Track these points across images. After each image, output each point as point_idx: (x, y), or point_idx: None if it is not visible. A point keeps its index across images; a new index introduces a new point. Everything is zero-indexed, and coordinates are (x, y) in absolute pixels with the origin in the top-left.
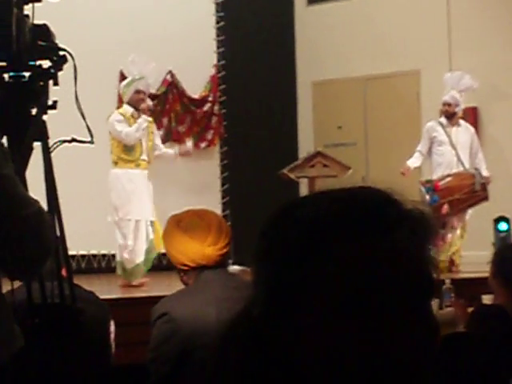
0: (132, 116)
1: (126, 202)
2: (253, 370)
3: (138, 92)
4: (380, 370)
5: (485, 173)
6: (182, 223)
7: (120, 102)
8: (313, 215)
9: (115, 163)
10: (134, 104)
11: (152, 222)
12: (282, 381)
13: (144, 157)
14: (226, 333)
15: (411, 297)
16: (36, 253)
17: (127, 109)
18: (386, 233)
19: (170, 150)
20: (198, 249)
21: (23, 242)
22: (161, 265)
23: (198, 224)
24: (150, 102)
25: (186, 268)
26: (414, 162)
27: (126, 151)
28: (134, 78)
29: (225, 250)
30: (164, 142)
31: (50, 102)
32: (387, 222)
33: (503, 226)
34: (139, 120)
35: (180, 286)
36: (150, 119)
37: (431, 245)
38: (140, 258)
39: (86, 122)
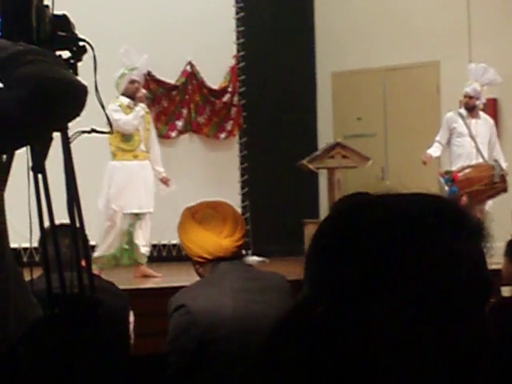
0: (128, 106)
1: (119, 194)
2: (312, 368)
3: (132, 82)
4: (453, 373)
5: (503, 165)
6: (197, 215)
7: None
8: (391, 217)
9: (114, 155)
10: (130, 94)
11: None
12: (343, 381)
13: (142, 147)
14: (278, 331)
15: (481, 300)
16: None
17: (123, 99)
18: (467, 239)
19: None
20: (214, 241)
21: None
22: (172, 255)
23: (213, 216)
24: (144, 91)
25: (202, 260)
26: (434, 151)
27: (125, 141)
28: (127, 69)
29: (241, 242)
30: (183, 132)
31: None
32: (466, 229)
33: None
34: (137, 108)
35: (196, 277)
36: (147, 109)
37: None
38: (112, 249)
39: (105, 113)
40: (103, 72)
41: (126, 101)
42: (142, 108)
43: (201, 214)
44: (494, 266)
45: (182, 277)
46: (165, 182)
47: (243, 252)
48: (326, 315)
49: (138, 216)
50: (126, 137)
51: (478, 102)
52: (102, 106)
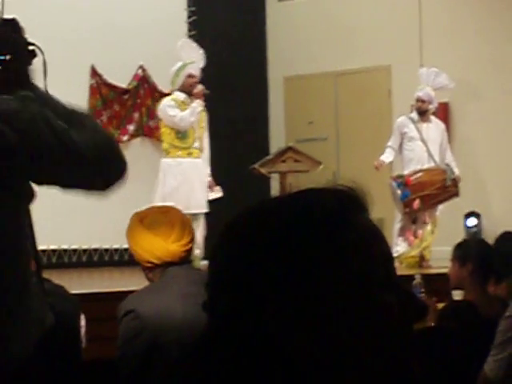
0: (183, 102)
1: (174, 192)
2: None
3: (190, 76)
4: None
5: (455, 171)
6: (146, 220)
7: (93, 96)
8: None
9: (167, 152)
10: (187, 89)
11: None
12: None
13: (196, 144)
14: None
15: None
16: (112, 154)
17: (179, 95)
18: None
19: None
20: (162, 245)
21: (97, 151)
22: (124, 260)
23: (161, 221)
24: (201, 87)
25: (151, 265)
26: (386, 156)
27: (180, 138)
28: (185, 63)
29: (189, 246)
30: (135, 136)
31: None
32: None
33: (473, 221)
34: (193, 104)
35: (147, 282)
36: (203, 104)
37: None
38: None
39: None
40: (52, 75)
41: (181, 96)
42: (199, 104)
43: (149, 219)
44: (445, 270)
45: (135, 281)
46: (210, 186)
47: (201, 256)
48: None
49: (194, 216)
50: (181, 134)
51: (430, 107)
52: None
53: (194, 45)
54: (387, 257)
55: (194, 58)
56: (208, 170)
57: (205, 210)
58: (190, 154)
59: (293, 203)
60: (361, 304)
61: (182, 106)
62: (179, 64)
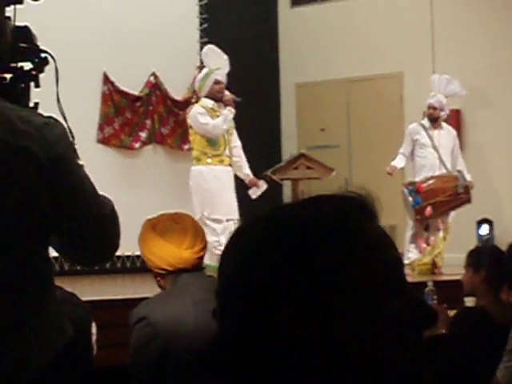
0: (212, 109)
1: (212, 200)
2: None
3: (217, 83)
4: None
5: (467, 177)
6: (158, 227)
7: (105, 103)
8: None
9: (198, 159)
10: (214, 95)
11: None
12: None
13: (227, 151)
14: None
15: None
16: (107, 248)
17: (207, 102)
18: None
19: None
20: (175, 252)
21: (100, 239)
22: (136, 267)
23: (173, 228)
24: (230, 94)
25: (163, 272)
26: (398, 162)
27: (210, 145)
28: (211, 69)
29: (201, 253)
30: (147, 143)
31: (31, 104)
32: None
33: (485, 228)
34: (225, 112)
35: (159, 289)
36: (234, 112)
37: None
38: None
39: (67, 124)
40: (64, 82)
41: (209, 103)
42: (230, 112)
43: (161, 226)
44: (457, 277)
45: (146, 288)
46: (254, 184)
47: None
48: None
49: (231, 222)
50: (212, 141)
51: (442, 114)
52: (64, 117)
53: (219, 51)
54: (397, 263)
55: (220, 64)
56: (248, 171)
57: (237, 217)
58: (221, 162)
59: (303, 210)
60: (371, 310)
61: (211, 112)
62: (205, 71)
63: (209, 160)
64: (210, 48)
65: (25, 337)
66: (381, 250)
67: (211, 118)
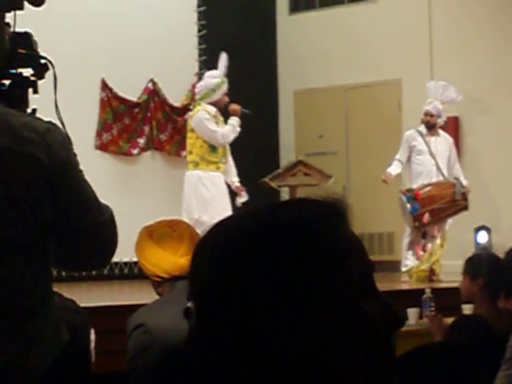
0: (215, 116)
1: (209, 205)
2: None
3: (226, 94)
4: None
5: (464, 183)
6: (155, 234)
7: (103, 110)
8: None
9: (196, 164)
10: (220, 105)
11: None
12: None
13: (224, 160)
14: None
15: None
16: (104, 254)
17: (210, 108)
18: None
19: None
20: (171, 260)
21: (98, 245)
22: (134, 273)
23: (170, 235)
24: (238, 106)
25: (160, 279)
26: (394, 169)
27: (211, 152)
28: (223, 80)
29: None
30: (145, 149)
31: (29, 111)
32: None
33: (483, 235)
34: (232, 122)
35: (157, 296)
36: (240, 122)
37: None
38: None
39: (65, 130)
40: (63, 88)
41: (212, 110)
42: (237, 122)
43: (158, 233)
44: (454, 284)
45: (144, 294)
46: (239, 191)
47: None
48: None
49: None
50: (213, 148)
51: (439, 120)
52: (63, 124)
53: (222, 60)
54: (369, 268)
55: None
56: (236, 178)
57: None
58: (218, 168)
59: (283, 212)
60: (345, 312)
61: (214, 119)
62: (218, 80)
63: (208, 166)
64: (225, 56)
65: (22, 343)
66: (354, 255)
67: (216, 125)
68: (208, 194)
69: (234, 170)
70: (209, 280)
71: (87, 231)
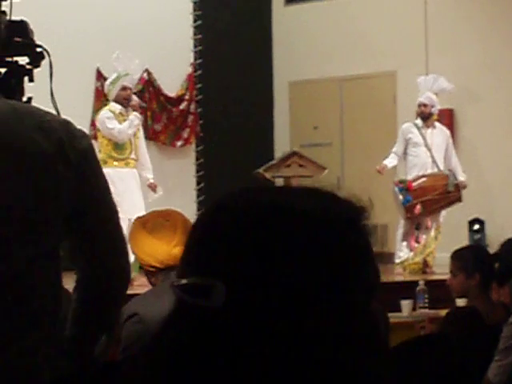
0: (121, 113)
1: (120, 201)
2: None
3: (124, 89)
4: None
5: (461, 177)
6: (148, 225)
7: (98, 99)
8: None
9: (104, 162)
10: (121, 101)
11: None
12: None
13: (133, 155)
14: (170, 326)
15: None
16: (123, 254)
17: (115, 106)
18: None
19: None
20: (164, 250)
21: (115, 241)
22: None
23: (163, 225)
24: (137, 99)
25: (153, 270)
26: (390, 161)
27: (117, 149)
28: (119, 75)
29: None
30: None
31: (24, 99)
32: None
33: (477, 227)
34: (131, 117)
35: (150, 285)
36: (140, 117)
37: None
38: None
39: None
40: (57, 78)
41: (117, 108)
42: (136, 117)
43: (151, 224)
44: (446, 277)
45: (138, 285)
46: (153, 188)
47: None
48: (227, 310)
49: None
50: (118, 145)
51: (432, 110)
52: (58, 112)
53: (131, 55)
54: (377, 274)
55: (131, 70)
56: (151, 175)
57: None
58: (127, 164)
59: (303, 199)
60: (345, 309)
61: (119, 117)
62: (114, 76)
63: (115, 163)
64: (122, 53)
65: (30, 347)
66: (370, 258)
67: (118, 123)
68: (116, 191)
69: (149, 166)
70: (209, 261)
71: (109, 222)
